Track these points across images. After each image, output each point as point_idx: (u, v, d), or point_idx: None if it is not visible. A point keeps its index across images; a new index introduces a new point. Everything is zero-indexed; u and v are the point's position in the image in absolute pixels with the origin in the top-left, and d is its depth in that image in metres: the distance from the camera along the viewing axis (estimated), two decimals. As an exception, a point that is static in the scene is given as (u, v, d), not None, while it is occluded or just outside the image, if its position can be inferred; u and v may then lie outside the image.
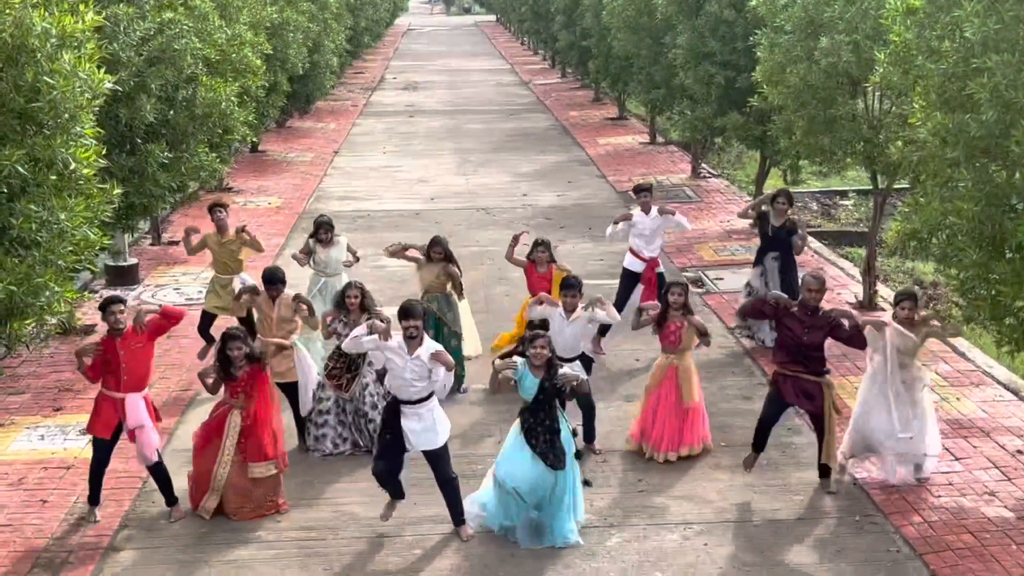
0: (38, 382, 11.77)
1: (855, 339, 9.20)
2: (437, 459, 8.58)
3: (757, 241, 15.33)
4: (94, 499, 9.01)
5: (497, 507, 8.66)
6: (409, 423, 8.43)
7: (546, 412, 8.38)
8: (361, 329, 8.67)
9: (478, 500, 8.84)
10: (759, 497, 9.35)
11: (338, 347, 10.00)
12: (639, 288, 12.47)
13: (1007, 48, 8.32)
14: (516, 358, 8.53)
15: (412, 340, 8.36)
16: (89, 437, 9.14)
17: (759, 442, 9.50)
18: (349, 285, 10.15)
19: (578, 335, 9.84)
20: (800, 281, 9.38)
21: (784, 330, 9.25)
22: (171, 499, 9.08)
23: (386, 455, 8.55)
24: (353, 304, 9.99)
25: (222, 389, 8.98)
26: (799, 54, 13.13)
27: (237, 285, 11.73)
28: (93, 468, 8.96)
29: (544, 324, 9.34)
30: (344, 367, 10.09)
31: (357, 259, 12.46)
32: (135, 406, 8.74)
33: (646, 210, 12.36)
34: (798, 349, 9.15)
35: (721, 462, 9.94)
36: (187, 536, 8.83)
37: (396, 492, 8.72)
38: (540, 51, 45.86)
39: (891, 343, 9.15)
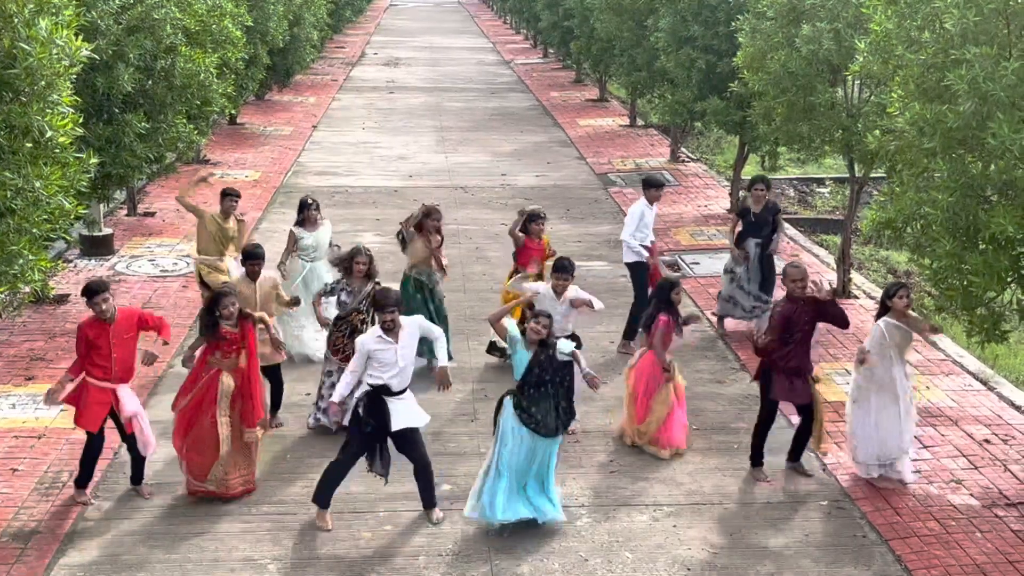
0: (10, 351, 11.71)
1: (840, 318, 9.11)
2: (415, 442, 8.55)
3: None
4: (83, 482, 8.83)
5: (507, 501, 8.45)
6: (395, 404, 8.41)
7: (545, 387, 8.36)
8: (342, 388, 8.54)
9: (480, 496, 8.56)
10: (729, 480, 9.43)
11: (339, 316, 9.97)
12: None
13: (986, 40, 8.37)
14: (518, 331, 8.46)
15: (391, 331, 8.35)
16: (58, 410, 9.06)
17: (758, 454, 9.40)
18: (358, 251, 9.95)
19: (566, 318, 9.91)
20: (783, 274, 9.32)
21: (789, 327, 9.03)
22: (138, 477, 9.03)
23: (357, 446, 8.45)
24: (360, 270, 9.92)
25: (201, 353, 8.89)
26: (780, 41, 13.16)
27: (231, 265, 11.64)
28: (89, 452, 8.76)
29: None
30: (347, 337, 10.00)
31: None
32: (129, 396, 8.67)
33: (653, 202, 12.25)
34: (799, 339, 9.03)
35: (693, 445, 10.00)
36: (158, 508, 8.82)
37: (328, 498, 8.55)
38: (523, 31, 45.72)
39: (891, 342, 9.08)
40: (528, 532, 8.53)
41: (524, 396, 8.37)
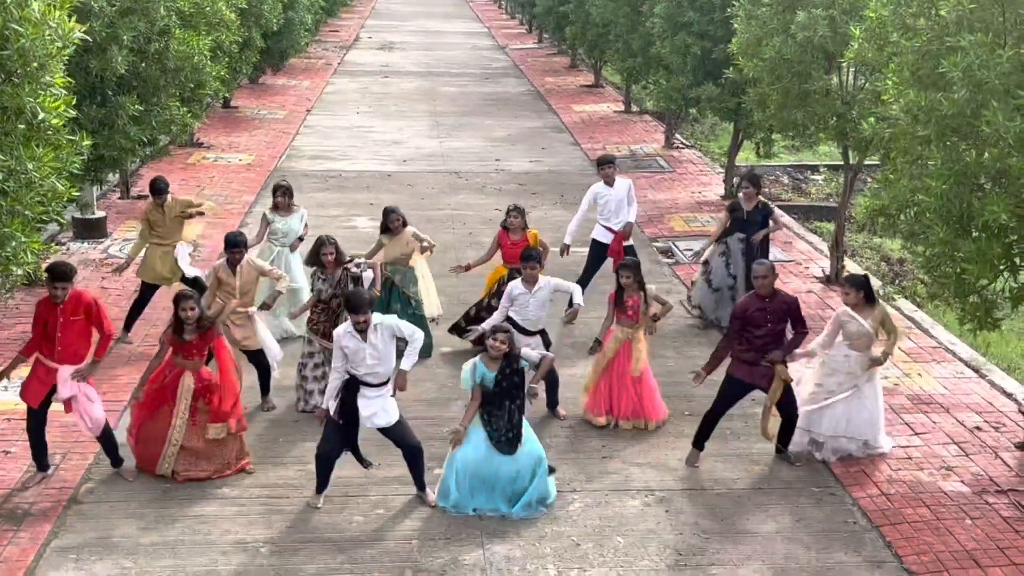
0: (2, 333, 11.69)
1: (801, 326, 9.26)
2: (400, 431, 8.58)
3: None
4: (41, 464, 8.88)
5: (466, 493, 8.54)
6: (366, 404, 8.41)
7: (505, 401, 8.41)
8: (332, 392, 8.52)
9: (444, 491, 8.68)
10: (721, 466, 9.45)
11: (318, 297, 10.00)
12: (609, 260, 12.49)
13: (981, 28, 8.37)
14: (466, 366, 8.52)
15: (363, 332, 8.33)
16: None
17: (703, 436, 9.45)
18: (323, 243, 10.06)
19: (542, 307, 9.90)
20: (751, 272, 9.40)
21: (751, 327, 9.07)
22: (117, 461, 9.01)
23: (336, 437, 8.45)
24: (329, 260, 9.97)
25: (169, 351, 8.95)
26: (775, 27, 13.14)
27: (181, 253, 11.57)
28: (29, 433, 8.81)
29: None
30: (328, 319, 10.02)
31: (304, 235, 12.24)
32: (66, 379, 8.63)
33: (609, 182, 12.29)
34: (766, 339, 9.07)
35: (684, 431, 10.02)
36: (150, 491, 8.82)
37: (325, 482, 8.60)
38: (517, 15, 45.60)
39: (841, 331, 9.24)
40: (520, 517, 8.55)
41: (491, 404, 8.42)
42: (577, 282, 12.31)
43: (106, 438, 8.93)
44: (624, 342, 9.95)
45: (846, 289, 9.33)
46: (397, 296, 11.24)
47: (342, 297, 9.82)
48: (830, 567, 8.06)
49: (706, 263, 12.48)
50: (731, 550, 8.25)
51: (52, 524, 8.31)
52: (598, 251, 12.46)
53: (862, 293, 9.25)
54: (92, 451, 9.27)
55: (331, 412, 8.48)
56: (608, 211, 12.30)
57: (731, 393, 9.34)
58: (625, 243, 12.43)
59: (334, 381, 8.45)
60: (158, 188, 11.54)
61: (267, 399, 10.31)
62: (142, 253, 11.59)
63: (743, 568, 8.03)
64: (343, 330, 8.44)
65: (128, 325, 11.66)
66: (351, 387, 8.43)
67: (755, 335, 9.07)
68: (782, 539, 8.41)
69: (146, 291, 11.68)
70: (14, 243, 8.02)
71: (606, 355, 10.02)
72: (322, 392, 10.08)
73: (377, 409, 8.47)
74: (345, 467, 9.05)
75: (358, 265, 10.16)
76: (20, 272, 8.86)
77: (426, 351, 11.21)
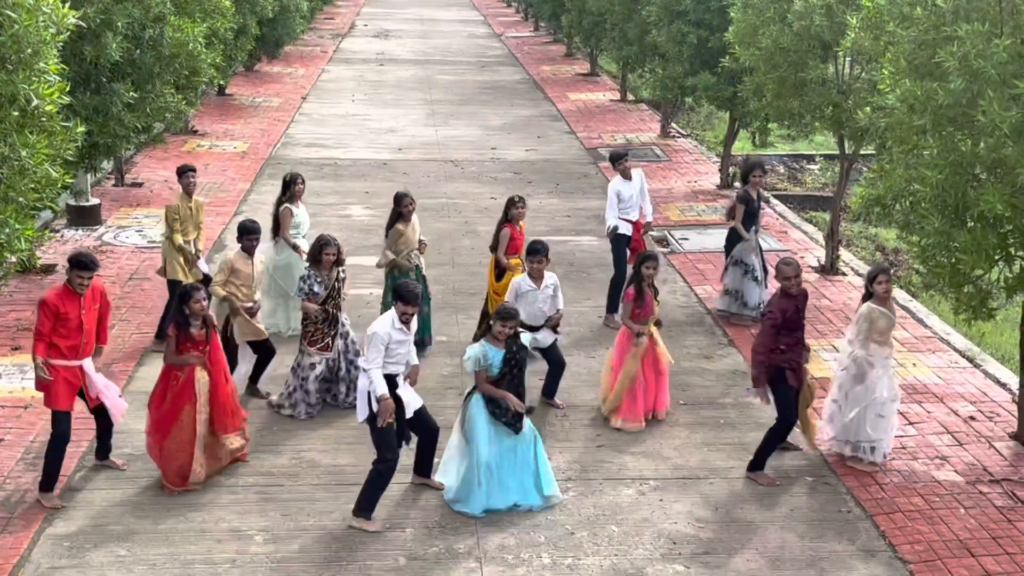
0: (-4, 321, 11.67)
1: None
2: (427, 413, 8.58)
3: (723, 202, 15.37)
4: (50, 484, 8.38)
5: (478, 492, 8.45)
6: (403, 392, 8.37)
7: (510, 381, 8.41)
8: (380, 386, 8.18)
9: (451, 488, 8.63)
10: (715, 455, 9.46)
11: (314, 302, 9.87)
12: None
13: (977, 17, 8.37)
14: (474, 346, 8.49)
15: (408, 323, 8.29)
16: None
17: (762, 460, 9.12)
18: (327, 242, 9.90)
19: (546, 303, 9.87)
20: (776, 270, 9.16)
21: (786, 331, 8.87)
22: (108, 449, 8.93)
23: (396, 438, 8.28)
24: (329, 261, 9.85)
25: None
26: (772, 16, 13.12)
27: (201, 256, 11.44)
28: (57, 448, 8.31)
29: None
30: (323, 328, 9.91)
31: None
32: (94, 371, 8.49)
33: (628, 176, 12.20)
34: (793, 340, 8.94)
35: (679, 420, 10.03)
36: (144, 479, 8.81)
37: (374, 507, 8.35)
38: (514, 3, 45.49)
39: (872, 326, 9.04)
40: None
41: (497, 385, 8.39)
42: (612, 280, 12.20)
43: (108, 427, 8.87)
44: (648, 339, 9.87)
45: (887, 278, 9.04)
46: (419, 277, 11.18)
47: (334, 298, 9.85)
48: (824, 556, 8.08)
49: (741, 262, 12.18)
50: (725, 539, 8.26)
51: (46, 512, 8.29)
52: (624, 243, 12.22)
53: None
54: (87, 439, 9.25)
55: (384, 418, 8.18)
56: (628, 205, 12.20)
57: (791, 400, 9.01)
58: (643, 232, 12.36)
59: (377, 375, 8.14)
60: (186, 170, 11.29)
61: (255, 385, 10.27)
62: (163, 251, 11.31)
63: (737, 557, 8.04)
64: (389, 325, 8.19)
65: (163, 331, 10.98)
66: (392, 387, 8.26)
67: (788, 337, 8.87)
68: (776, 528, 8.42)
69: (174, 290, 11.37)
70: (8, 230, 8.01)
71: (638, 356, 9.80)
72: (306, 403, 9.97)
73: (411, 396, 8.45)
74: (340, 456, 9.07)
75: (344, 270, 10.09)
76: (14, 259, 8.85)
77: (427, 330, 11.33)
